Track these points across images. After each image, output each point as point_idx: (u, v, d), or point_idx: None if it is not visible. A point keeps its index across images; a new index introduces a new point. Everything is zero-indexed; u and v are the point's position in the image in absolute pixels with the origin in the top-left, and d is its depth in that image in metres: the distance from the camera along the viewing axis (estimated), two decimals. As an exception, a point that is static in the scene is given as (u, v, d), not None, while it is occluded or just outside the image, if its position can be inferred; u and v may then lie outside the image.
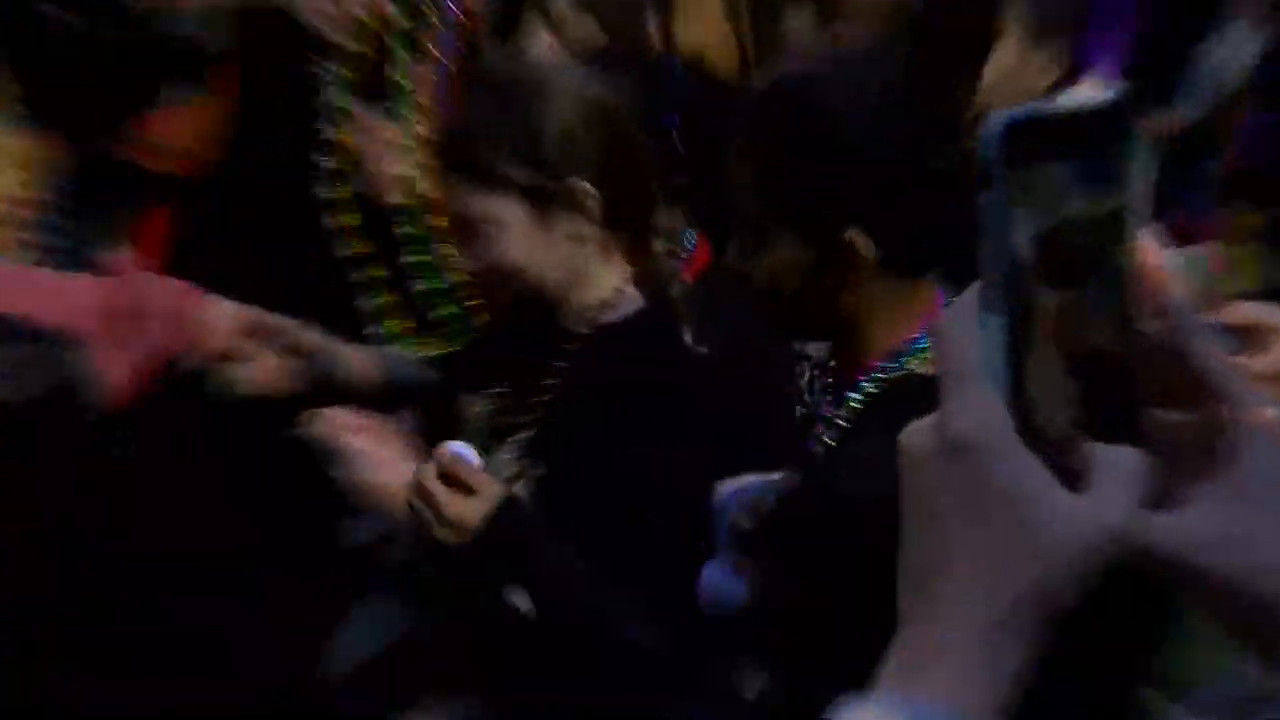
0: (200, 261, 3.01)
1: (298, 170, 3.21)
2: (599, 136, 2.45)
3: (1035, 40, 2.81)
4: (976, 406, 0.88)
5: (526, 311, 2.55)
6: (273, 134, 3.22)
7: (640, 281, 2.54)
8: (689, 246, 2.92)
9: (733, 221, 2.14)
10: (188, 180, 3.20)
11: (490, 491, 2.36)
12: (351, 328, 3.04)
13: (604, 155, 2.45)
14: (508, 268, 2.47)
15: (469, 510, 2.34)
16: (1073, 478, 0.89)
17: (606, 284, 2.52)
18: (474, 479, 2.37)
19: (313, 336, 2.75)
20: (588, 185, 2.44)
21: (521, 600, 2.29)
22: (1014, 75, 2.72)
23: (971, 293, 0.90)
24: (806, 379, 2.41)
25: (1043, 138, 0.88)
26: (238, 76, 3.21)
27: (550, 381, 2.56)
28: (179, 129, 3.18)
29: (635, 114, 2.51)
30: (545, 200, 2.43)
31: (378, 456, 2.45)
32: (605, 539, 2.34)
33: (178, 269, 3.00)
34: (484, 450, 2.53)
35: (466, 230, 2.48)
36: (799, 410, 2.52)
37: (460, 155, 2.45)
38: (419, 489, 2.37)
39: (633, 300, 2.54)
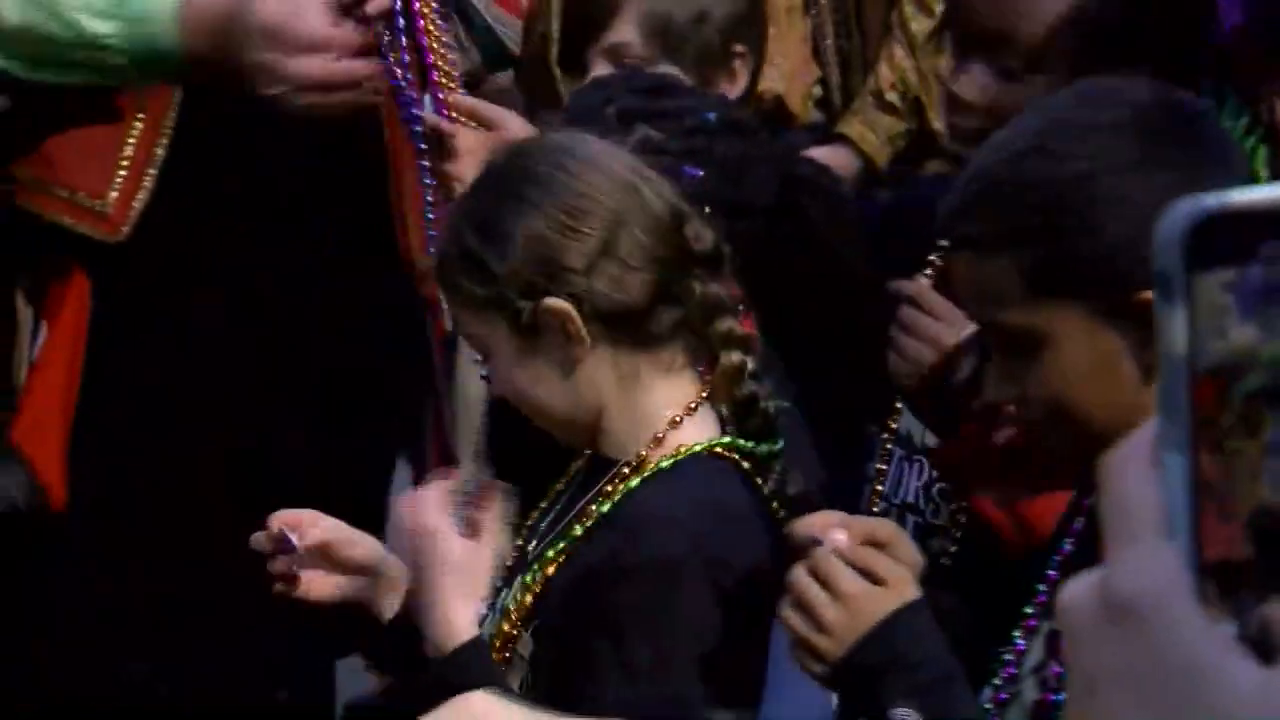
0: (127, 345, 2.67)
1: (251, 225, 2.73)
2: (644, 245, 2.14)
3: None
4: (1148, 562, 0.81)
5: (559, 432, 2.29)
6: (217, 177, 2.71)
7: (716, 401, 2.22)
8: None
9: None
10: (107, 238, 2.69)
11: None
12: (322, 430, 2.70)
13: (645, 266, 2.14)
14: (513, 394, 2.22)
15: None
16: (1263, 650, 0.80)
17: (654, 413, 2.18)
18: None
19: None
20: (563, 304, 2.12)
21: None
22: None
23: (1152, 424, 0.82)
24: (919, 481, 2.27)
25: (1232, 238, 0.78)
26: (169, 98, 2.67)
27: (585, 521, 2.21)
28: (89, 168, 2.65)
29: (695, 210, 2.20)
30: (521, 322, 2.15)
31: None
32: None
33: (97, 353, 2.65)
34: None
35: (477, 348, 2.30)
36: (911, 520, 2.32)
37: (444, 271, 2.23)
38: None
39: (696, 430, 2.19)
